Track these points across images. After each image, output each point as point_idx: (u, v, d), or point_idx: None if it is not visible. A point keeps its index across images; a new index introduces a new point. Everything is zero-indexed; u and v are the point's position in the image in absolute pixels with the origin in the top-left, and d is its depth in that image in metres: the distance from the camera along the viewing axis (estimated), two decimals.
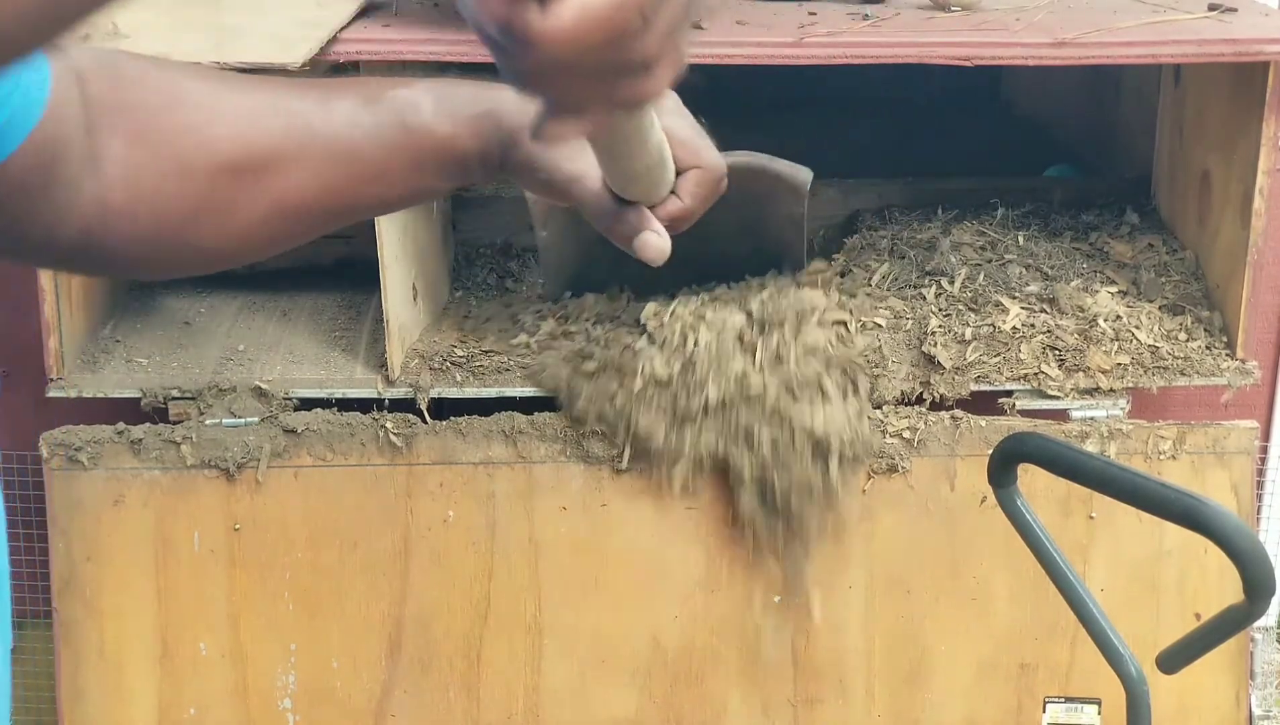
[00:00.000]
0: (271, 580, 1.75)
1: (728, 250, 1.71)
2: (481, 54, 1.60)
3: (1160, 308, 1.82)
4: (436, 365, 1.76)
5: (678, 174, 0.92)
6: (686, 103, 0.95)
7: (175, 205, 0.78)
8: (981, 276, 1.85)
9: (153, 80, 0.80)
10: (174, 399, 1.72)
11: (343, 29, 1.63)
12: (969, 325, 1.78)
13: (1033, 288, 1.84)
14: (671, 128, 0.91)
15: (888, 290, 1.86)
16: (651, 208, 0.91)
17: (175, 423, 1.72)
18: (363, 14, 1.71)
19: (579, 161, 0.89)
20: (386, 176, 0.87)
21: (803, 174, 1.71)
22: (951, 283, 1.85)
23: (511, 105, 0.89)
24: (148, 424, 1.72)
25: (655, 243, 0.90)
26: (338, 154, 0.84)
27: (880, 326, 1.78)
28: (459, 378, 1.75)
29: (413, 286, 1.77)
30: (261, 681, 1.76)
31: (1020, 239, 1.95)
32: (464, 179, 0.91)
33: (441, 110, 0.88)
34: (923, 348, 1.76)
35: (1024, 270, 1.88)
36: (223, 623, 1.75)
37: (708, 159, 0.93)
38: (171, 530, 1.73)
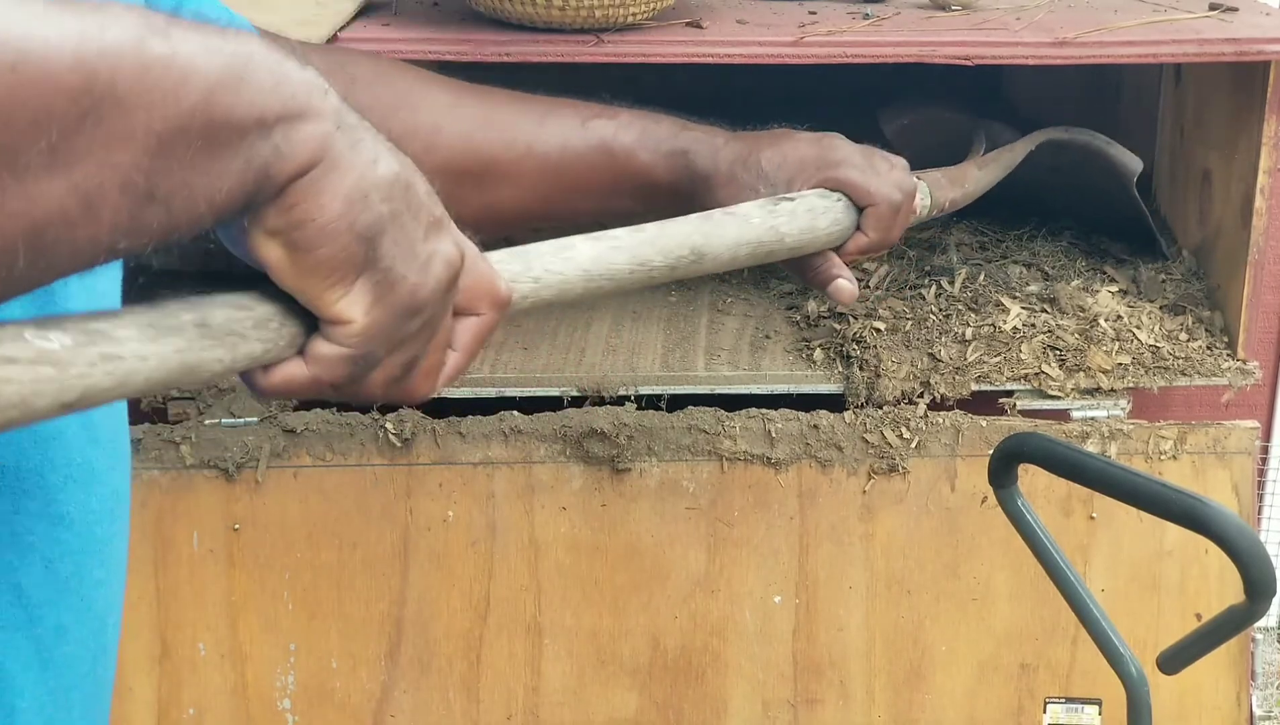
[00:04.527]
0: (271, 580, 1.74)
1: (1062, 197, 1.85)
2: (481, 54, 1.60)
3: (1161, 307, 1.82)
4: None
5: (860, 210, 0.99)
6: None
7: None
8: (982, 276, 1.85)
9: (386, 82, 0.87)
10: (173, 399, 1.72)
11: (342, 28, 1.63)
12: (969, 325, 1.77)
13: (1033, 287, 1.84)
14: (838, 171, 0.98)
15: (887, 290, 1.85)
16: (839, 249, 0.99)
17: (174, 423, 1.72)
18: (362, 13, 1.71)
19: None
20: (587, 194, 0.97)
21: (1132, 163, 1.81)
22: (952, 282, 1.84)
23: (705, 150, 0.99)
24: (147, 424, 1.72)
25: (846, 288, 0.98)
26: (548, 170, 0.94)
27: (880, 329, 1.78)
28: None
29: None
30: (261, 681, 1.76)
31: (1021, 238, 1.95)
32: (653, 204, 0.99)
33: (643, 142, 0.98)
34: (923, 347, 1.75)
35: (1024, 270, 1.88)
36: (222, 623, 1.75)
37: (879, 195, 0.98)
38: (171, 530, 1.73)
